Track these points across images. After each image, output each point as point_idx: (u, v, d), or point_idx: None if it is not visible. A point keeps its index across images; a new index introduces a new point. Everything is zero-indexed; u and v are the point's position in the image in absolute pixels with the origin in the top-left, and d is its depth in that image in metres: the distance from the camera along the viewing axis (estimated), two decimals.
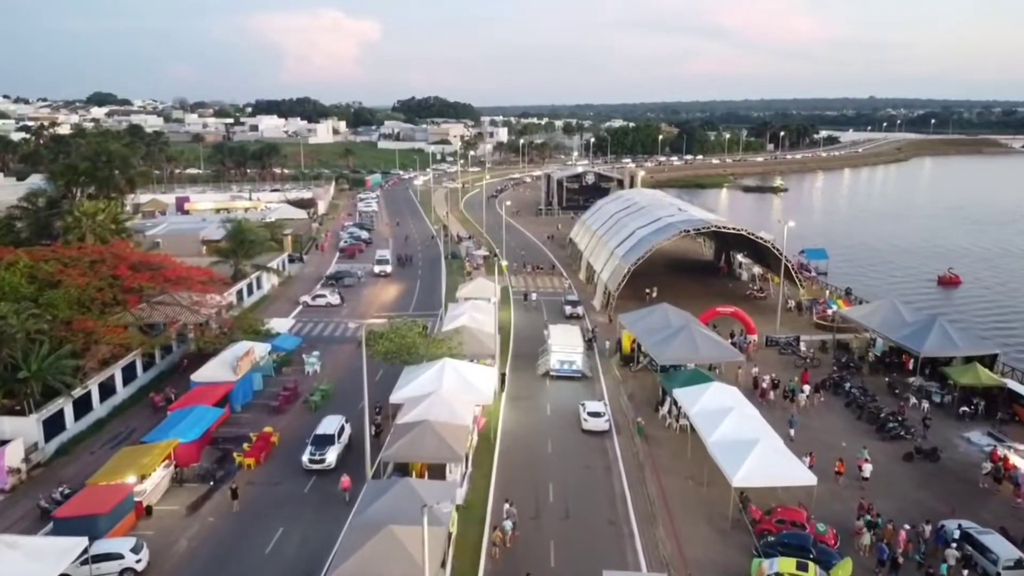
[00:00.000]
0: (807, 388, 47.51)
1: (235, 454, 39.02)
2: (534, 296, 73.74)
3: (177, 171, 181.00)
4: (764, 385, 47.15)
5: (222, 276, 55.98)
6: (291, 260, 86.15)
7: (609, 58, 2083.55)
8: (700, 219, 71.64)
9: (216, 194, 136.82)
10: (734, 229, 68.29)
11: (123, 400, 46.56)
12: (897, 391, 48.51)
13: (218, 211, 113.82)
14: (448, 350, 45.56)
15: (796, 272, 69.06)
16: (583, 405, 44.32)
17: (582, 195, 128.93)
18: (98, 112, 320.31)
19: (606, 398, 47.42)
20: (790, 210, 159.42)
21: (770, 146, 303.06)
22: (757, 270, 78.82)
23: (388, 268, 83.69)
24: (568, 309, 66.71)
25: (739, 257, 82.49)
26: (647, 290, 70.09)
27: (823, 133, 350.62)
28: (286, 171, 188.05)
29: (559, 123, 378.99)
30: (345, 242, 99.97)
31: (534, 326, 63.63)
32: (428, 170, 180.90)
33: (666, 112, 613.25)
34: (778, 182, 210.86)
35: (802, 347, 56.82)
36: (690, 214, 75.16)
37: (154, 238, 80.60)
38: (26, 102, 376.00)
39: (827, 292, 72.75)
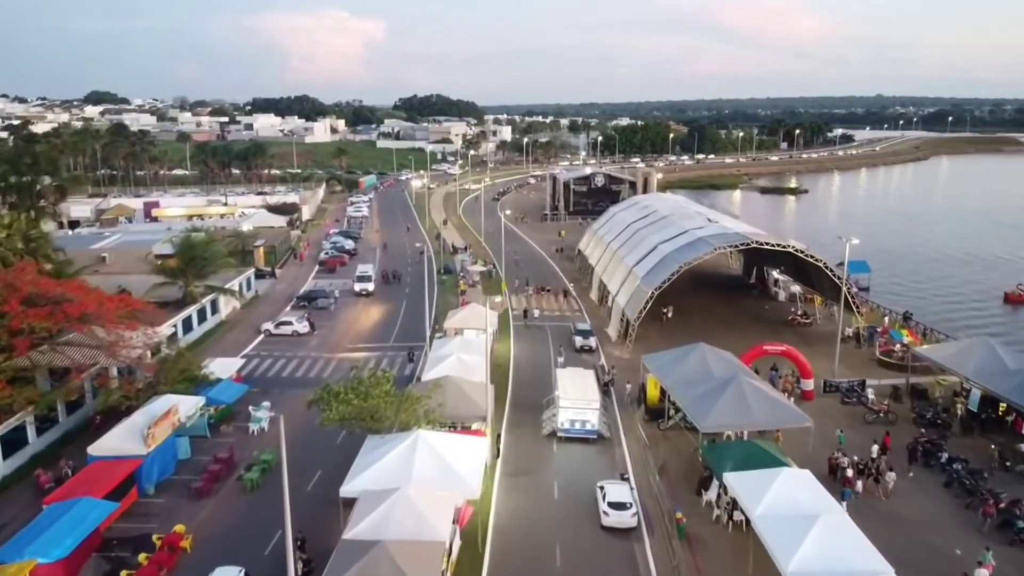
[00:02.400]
0: (875, 451, 36.48)
1: (123, 574, 28.23)
2: (536, 314, 63.49)
3: (162, 172, 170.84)
4: (848, 472, 34.43)
5: (150, 307, 44.98)
6: (260, 276, 75.11)
7: (614, 57, 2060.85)
8: (736, 233, 60.26)
9: (192, 198, 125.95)
10: (780, 246, 56.86)
11: (3, 477, 35.86)
12: (1008, 463, 37.39)
13: (190, 218, 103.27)
14: (425, 415, 34.63)
15: (854, 299, 57.70)
16: (602, 490, 33.30)
17: (591, 199, 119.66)
18: (92, 111, 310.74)
19: (631, 475, 36.37)
20: (813, 213, 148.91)
21: (783, 144, 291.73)
22: (796, 289, 67.80)
23: (370, 286, 72.56)
24: (579, 340, 55.74)
25: (774, 273, 71.32)
26: (663, 310, 59.47)
27: (837, 131, 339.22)
28: (276, 172, 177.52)
29: (564, 121, 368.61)
30: (326, 253, 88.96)
31: (538, 362, 52.91)
32: (422, 172, 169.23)
33: (672, 111, 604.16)
34: (794, 183, 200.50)
35: (870, 394, 45.69)
36: (723, 226, 63.84)
37: (100, 252, 69.99)
38: (24, 101, 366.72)
39: (886, 319, 61.38)
